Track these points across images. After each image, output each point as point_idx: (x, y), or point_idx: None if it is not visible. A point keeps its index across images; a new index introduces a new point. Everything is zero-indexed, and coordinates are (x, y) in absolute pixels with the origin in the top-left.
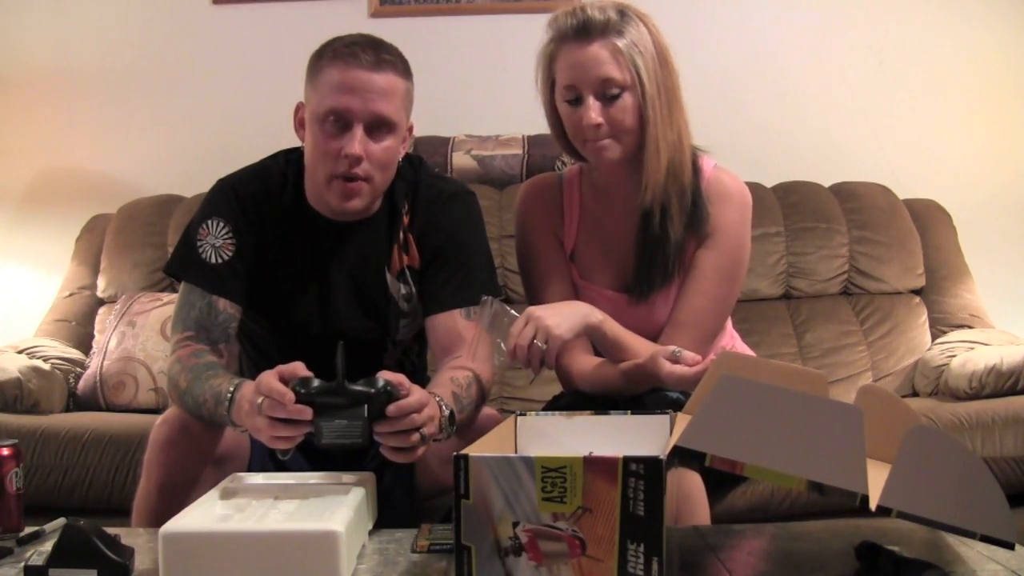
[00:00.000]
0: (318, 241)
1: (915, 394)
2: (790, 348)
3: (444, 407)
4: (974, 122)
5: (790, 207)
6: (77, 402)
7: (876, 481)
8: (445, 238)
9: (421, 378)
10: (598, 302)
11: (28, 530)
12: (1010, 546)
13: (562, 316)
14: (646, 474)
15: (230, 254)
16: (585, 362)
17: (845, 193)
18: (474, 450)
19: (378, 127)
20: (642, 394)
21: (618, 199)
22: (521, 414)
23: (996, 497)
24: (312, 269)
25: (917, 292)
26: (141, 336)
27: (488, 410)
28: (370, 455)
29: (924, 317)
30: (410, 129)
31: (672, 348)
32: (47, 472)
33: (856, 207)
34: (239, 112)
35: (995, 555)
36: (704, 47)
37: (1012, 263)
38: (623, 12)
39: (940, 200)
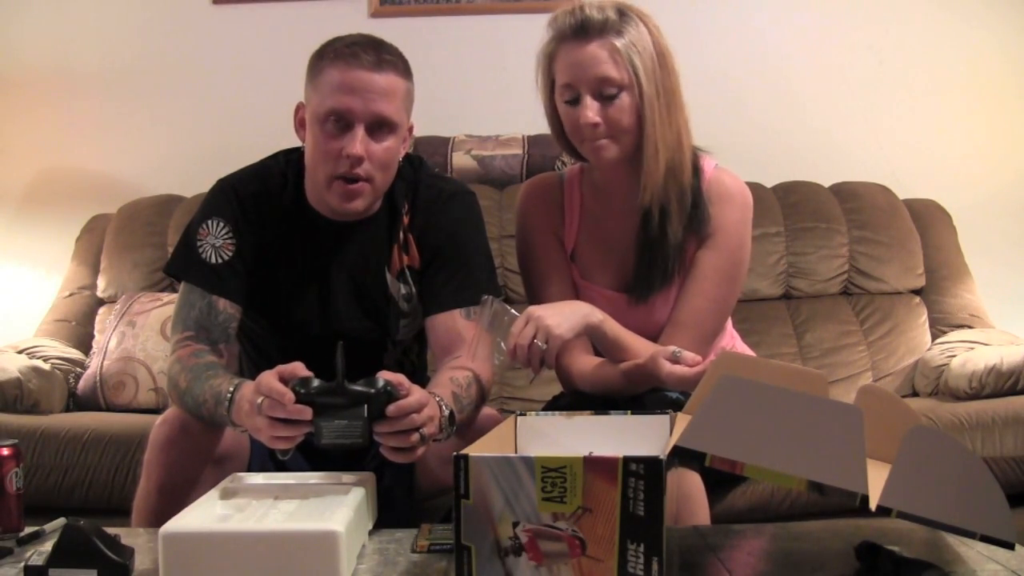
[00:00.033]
0: (318, 241)
1: (915, 394)
2: (790, 348)
3: (444, 407)
4: (974, 122)
5: (790, 207)
6: (77, 402)
7: (876, 481)
8: (445, 238)
9: (421, 378)
10: (598, 302)
11: (28, 530)
12: (1010, 546)
13: (562, 316)
14: (646, 474)
15: (230, 254)
16: (585, 362)
17: (845, 193)
18: (474, 450)
19: (379, 127)
20: (642, 394)
21: (618, 199)
22: (521, 414)
23: (996, 497)
24: (312, 269)
25: (917, 292)
26: (141, 336)
27: (488, 410)
28: (370, 455)
29: (924, 317)
30: (410, 129)
31: (672, 348)
32: (47, 472)
33: (856, 207)
34: (239, 112)
35: (995, 555)
36: (704, 47)
37: (1012, 263)
38: (622, 12)
39: (940, 200)
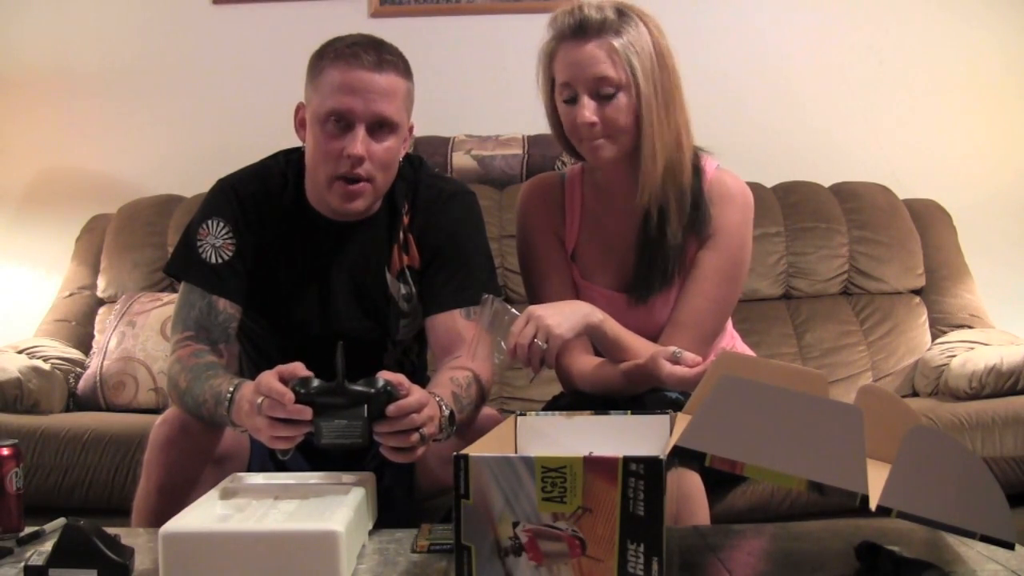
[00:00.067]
0: (318, 241)
1: (915, 394)
2: (790, 348)
3: (444, 407)
4: (974, 122)
5: (790, 207)
6: (77, 402)
7: (876, 481)
8: (445, 238)
9: (421, 378)
10: (599, 302)
11: (28, 530)
12: (1010, 546)
13: (563, 315)
14: (646, 474)
15: (230, 254)
16: (585, 362)
17: (845, 193)
18: (474, 450)
19: (380, 127)
20: (642, 394)
21: (619, 199)
22: (521, 414)
23: (996, 497)
24: (312, 269)
25: (917, 292)
26: (141, 336)
27: (488, 410)
28: (370, 455)
29: (924, 317)
30: (411, 129)
31: (672, 349)
32: (47, 472)
33: (856, 207)
34: (239, 112)
35: (995, 555)
36: (704, 47)
37: (1012, 263)
38: (621, 12)
39: (940, 200)
